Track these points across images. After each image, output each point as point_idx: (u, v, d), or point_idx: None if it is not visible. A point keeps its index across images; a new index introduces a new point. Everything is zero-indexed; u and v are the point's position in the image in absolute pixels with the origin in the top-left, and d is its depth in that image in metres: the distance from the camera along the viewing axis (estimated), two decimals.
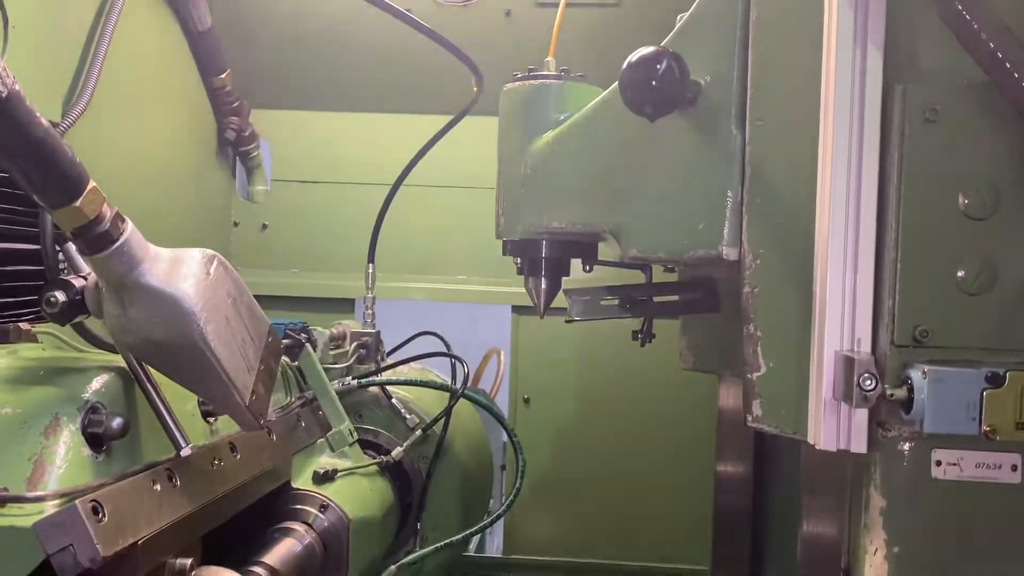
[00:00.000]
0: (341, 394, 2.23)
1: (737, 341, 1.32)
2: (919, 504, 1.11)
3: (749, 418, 1.25)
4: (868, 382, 1.09)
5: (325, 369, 2.21)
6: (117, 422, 1.33)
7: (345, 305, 3.13)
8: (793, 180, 1.25)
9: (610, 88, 1.50)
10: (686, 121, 1.38)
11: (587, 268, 1.84)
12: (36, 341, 1.59)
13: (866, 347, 1.14)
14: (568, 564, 3.05)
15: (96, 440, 1.32)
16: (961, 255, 1.12)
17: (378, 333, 2.56)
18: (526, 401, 3.20)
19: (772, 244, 1.26)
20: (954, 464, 1.09)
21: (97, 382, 1.38)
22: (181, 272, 1.33)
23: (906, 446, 1.11)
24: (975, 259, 1.11)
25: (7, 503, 1.15)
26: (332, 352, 2.41)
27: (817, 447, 1.14)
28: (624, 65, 1.32)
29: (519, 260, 1.81)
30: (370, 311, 2.59)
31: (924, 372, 1.05)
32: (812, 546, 1.40)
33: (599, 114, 1.56)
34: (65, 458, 1.26)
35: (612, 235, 1.52)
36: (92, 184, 1.22)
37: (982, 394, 1.05)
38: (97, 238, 1.24)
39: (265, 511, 1.83)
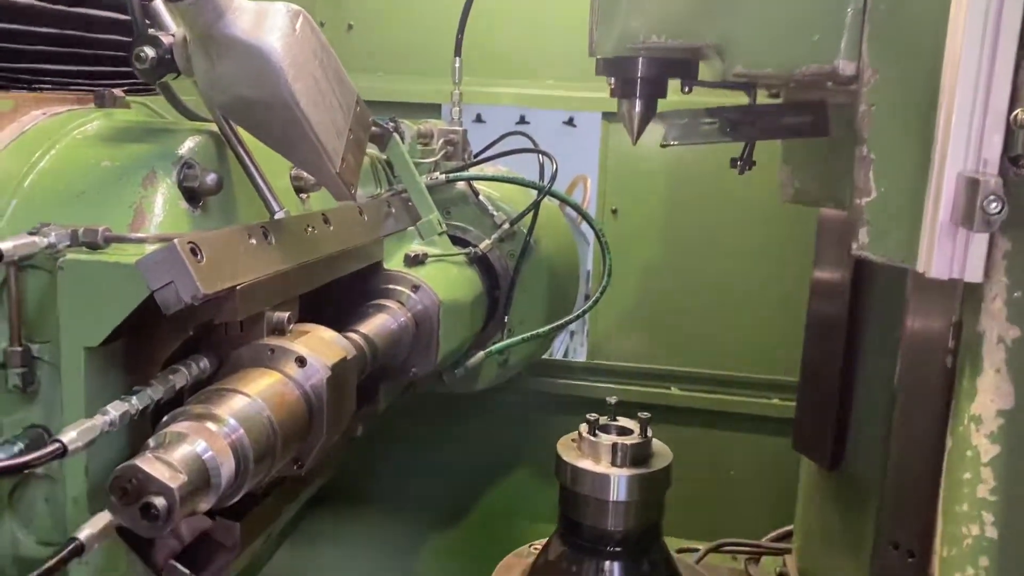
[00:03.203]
0: (429, 189, 2.22)
1: (842, 172, 1.21)
2: None
3: (854, 245, 1.17)
4: (994, 205, 0.99)
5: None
6: (211, 177, 1.34)
7: (432, 110, 3.07)
8: None
9: None
10: None
11: (686, 89, 1.72)
12: (128, 108, 1.60)
13: (993, 169, 1.03)
14: (651, 371, 3.09)
15: (192, 195, 1.34)
16: None
17: (465, 131, 2.51)
18: (614, 212, 3.14)
19: (895, 57, 1.13)
20: None
21: (191, 141, 1.39)
22: (266, 25, 1.30)
23: None
24: None
25: (111, 243, 1.18)
26: (419, 148, 2.39)
27: (927, 276, 1.06)
28: None
29: (612, 81, 1.70)
30: (456, 108, 2.53)
31: None
32: (917, 337, 1.34)
33: None
34: (163, 208, 1.29)
35: (715, 50, 1.39)
36: None
37: None
38: None
39: (358, 291, 1.86)
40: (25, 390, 1.23)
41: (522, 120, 5.40)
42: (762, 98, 1.84)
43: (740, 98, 1.81)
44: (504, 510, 3.12)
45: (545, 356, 3.04)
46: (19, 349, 1.21)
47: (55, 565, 0.99)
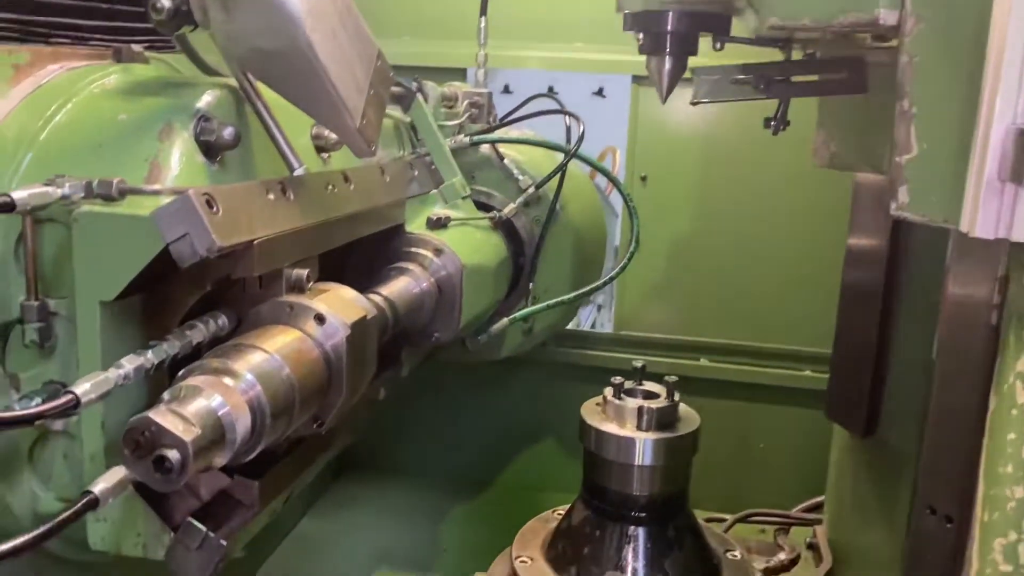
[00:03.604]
0: (453, 152, 2.19)
1: (878, 135, 1.14)
2: None
3: (893, 206, 1.11)
4: None
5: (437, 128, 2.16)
6: (229, 131, 1.31)
7: (457, 75, 3.02)
8: None
9: None
10: None
11: (717, 46, 1.65)
12: (147, 63, 1.58)
13: None
14: (680, 342, 3.03)
15: (209, 148, 1.32)
16: None
17: (490, 94, 2.46)
18: (643, 179, 3.08)
19: (940, 4, 1.06)
20: None
21: (209, 95, 1.36)
22: None
23: None
24: None
25: (125, 195, 1.16)
26: (444, 111, 2.35)
27: (971, 235, 1.01)
28: None
29: (640, 36, 1.64)
30: (482, 70, 2.48)
31: None
32: (958, 304, 1.28)
33: None
34: (180, 161, 1.27)
35: (748, 1, 1.33)
36: None
37: None
38: None
39: (380, 254, 1.84)
40: (43, 345, 1.22)
41: (550, 91, 5.35)
42: (797, 58, 1.78)
43: (774, 58, 1.75)
44: (528, 480, 3.10)
45: (571, 327, 3.00)
46: (36, 303, 1.20)
47: (69, 517, 0.97)
